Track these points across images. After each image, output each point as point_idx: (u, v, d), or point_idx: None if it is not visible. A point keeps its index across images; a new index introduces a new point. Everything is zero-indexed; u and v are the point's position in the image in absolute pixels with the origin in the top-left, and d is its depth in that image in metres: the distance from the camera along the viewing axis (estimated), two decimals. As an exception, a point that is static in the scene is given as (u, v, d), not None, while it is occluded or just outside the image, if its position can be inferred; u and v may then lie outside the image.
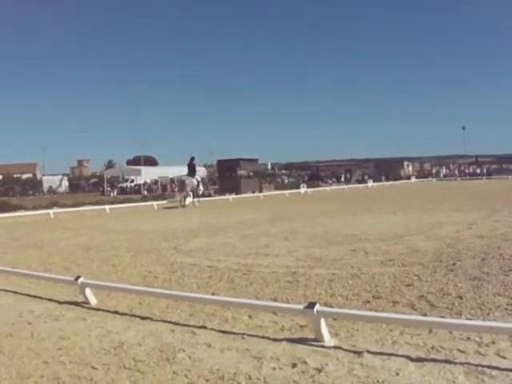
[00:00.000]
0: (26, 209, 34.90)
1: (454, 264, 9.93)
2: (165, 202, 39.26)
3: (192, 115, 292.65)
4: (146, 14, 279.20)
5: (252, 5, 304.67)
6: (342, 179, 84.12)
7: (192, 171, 35.46)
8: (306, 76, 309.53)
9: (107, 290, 8.63)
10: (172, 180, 72.08)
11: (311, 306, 5.87)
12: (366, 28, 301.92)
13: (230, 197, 41.94)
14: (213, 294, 8.25)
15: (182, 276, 10.22)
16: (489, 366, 4.88)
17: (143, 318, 7.22)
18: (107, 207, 32.45)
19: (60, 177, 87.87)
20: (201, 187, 36.40)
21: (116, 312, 7.64)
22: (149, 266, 11.55)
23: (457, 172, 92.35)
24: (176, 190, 58.12)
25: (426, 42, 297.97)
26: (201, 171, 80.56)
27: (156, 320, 7.11)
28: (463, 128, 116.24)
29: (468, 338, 5.66)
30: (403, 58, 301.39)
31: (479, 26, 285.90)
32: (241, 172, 54.22)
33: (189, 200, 35.10)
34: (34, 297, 8.89)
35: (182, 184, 36.30)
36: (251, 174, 57.62)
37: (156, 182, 72.36)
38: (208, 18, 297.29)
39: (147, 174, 76.55)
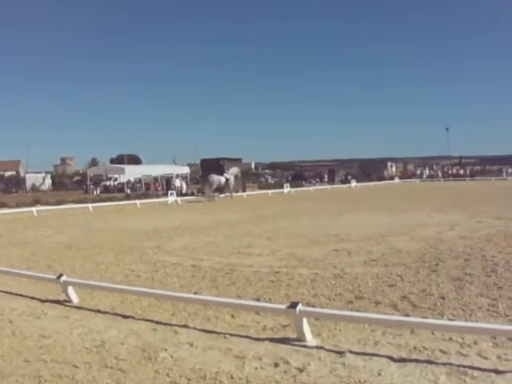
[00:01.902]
0: (8, 206, 34.56)
1: (437, 265, 9.98)
2: (149, 200, 39.24)
3: (176, 114, 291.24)
4: (131, 11, 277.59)
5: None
6: (326, 179, 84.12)
7: (220, 171, 40.31)
8: (288, 76, 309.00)
9: (90, 289, 8.59)
10: (155, 179, 71.82)
11: (294, 305, 5.87)
12: (353, 28, 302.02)
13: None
14: (195, 293, 8.25)
15: (164, 275, 10.20)
16: (470, 367, 4.91)
17: (125, 317, 7.20)
18: (90, 205, 32.30)
19: (43, 174, 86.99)
20: (184, 186, 37.61)
21: (98, 310, 7.61)
22: (131, 264, 11.51)
23: (440, 173, 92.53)
24: (163, 188, 58.23)
25: (410, 43, 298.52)
26: (184, 170, 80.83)
27: (138, 319, 7.09)
28: (447, 129, 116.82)
29: (450, 339, 5.68)
30: (387, 58, 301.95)
31: (464, 29, 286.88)
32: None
33: (172, 199, 35.62)
34: (16, 295, 8.83)
35: (207, 181, 39.53)
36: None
37: (139, 180, 72.00)
38: (188, 17, 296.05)
39: (131, 173, 76.03)
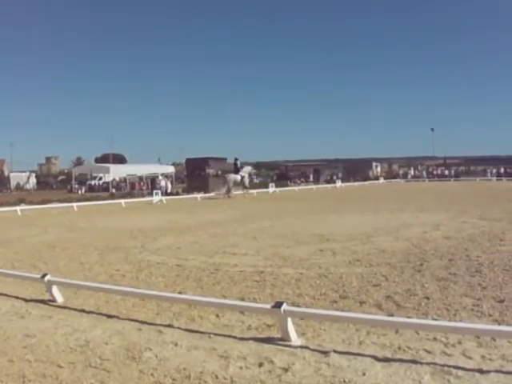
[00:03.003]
0: (-8, 205, 34.43)
1: (421, 265, 10.01)
2: (134, 199, 39.25)
3: (162, 114, 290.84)
4: (115, 10, 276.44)
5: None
6: (311, 179, 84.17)
7: (236, 169, 43.83)
8: (272, 75, 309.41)
9: (74, 288, 8.54)
10: (141, 178, 71.69)
11: (278, 305, 5.87)
12: (340, 30, 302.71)
13: (199, 195, 41.85)
14: (180, 293, 8.23)
15: (149, 274, 10.17)
16: (455, 367, 4.93)
17: (110, 317, 7.17)
18: (75, 205, 32.12)
19: (28, 173, 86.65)
20: (169, 185, 38.46)
21: (83, 310, 7.57)
22: (116, 264, 11.47)
23: (425, 173, 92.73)
24: (148, 187, 58.19)
25: (395, 44, 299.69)
26: (170, 170, 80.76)
27: (123, 318, 7.07)
28: (432, 130, 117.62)
29: (434, 339, 5.70)
30: (371, 58, 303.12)
31: (450, 31, 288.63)
32: (209, 171, 54.11)
33: (157, 198, 35.86)
34: (0, 294, 8.77)
35: (225, 179, 43.26)
36: (220, 172, 57.50)
37: (124, 179, 71.84)
38: (177, 18, 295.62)
39: (116, 172, 75.95)
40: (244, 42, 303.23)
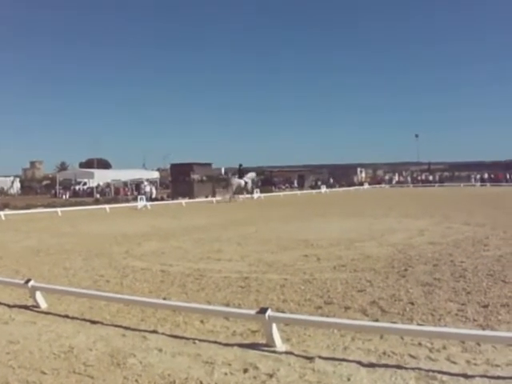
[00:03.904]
0: (-25, 210, 34.19)
1: (406, 270, 10.05)
2: (118, 205, 39.11)
3: (146, 119, 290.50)
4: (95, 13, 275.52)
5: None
6: (295, 185, 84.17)
7: (240, 174, 46.71)
8: (257, 80, 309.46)
9: (58, 294, 8.50)
10: (125, 183, 71.46)
11: (263, 311, 5.87)
12: (323, 34, 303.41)
13: (183, 201, 41.78)
14: (164, 299, 8.22)
15: (133, 280, 10.14)
16: (440, 371, 4.95)
17: (94, 323, 7.14)
18: (59, 210, 31.94)
19: (12, 178, 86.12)
20: (153, 191, 39.01)
21: (66, 316, 7.54)
22: (100, 269, 11.43)
23: (409, 179, 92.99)
24: (132, 193, 58.09)
25: (381, 49, 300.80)
26: (154, 175, 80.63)
27: (107, 324, 7.04)
28: (416, 136, 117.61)
29: (419, 344, 5.72)
30: (356, 64, 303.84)
31: (430, 37, 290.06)
32: (194, 176, 54.02)
33: (141, 203, 35.81)
34: (-17, 300, 8.72)
35: (229, 184, 46.06)
36: (204, 178, 57.44)
37: (109, 185, 71.57)
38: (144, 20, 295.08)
39: (100, 177, 75.66)
40: (225, 46, 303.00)
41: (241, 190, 45.88)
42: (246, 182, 46.19)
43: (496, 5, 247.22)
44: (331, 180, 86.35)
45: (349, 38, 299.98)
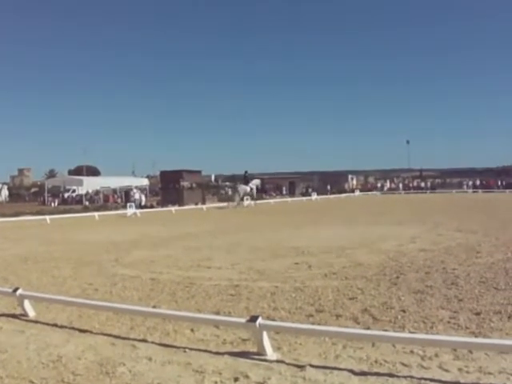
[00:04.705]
0: (-36, 218, 34.06)
1: (398, 277, 10.06)
2: (107, 212, 39.09)
3: (136, 125, 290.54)
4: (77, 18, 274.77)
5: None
6: (286, 192, 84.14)
7: (245, 181, 48.42)
8: (245, 87, 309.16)
9: (46, 302, 8.45)
10: (114, 191, 71.39)
11: (254, 319, 5.86)
12: (308, 42, 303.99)
13: (173, 208, 41.72)
14: (154, 307, 8.19)
15: (123, 288, 10.10)
16: (432, 380, 4.95)
17: (83, 331, 7.10)
18: (48, 217, 31.83)
19: (0, 185, 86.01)
20: (143, 198, 39.32)
21: (55, 325, 7.49)
22: (89, 278, 11.38)
23: (401, 186, 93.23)
24: (122, 200, 57.99)
25: (369, 59, 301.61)
26: (144, 182, 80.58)
27: (96, 333, 7.00)
28: (407, 142, 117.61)
29: (411, 352, 5.72)
30: (346, 73, 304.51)
31: (424, 48, 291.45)
32: (184, 183, 54.00)
33: (131, 211, 35.92)
34: (-30, 309, 8.66)
35: (236, 190, 48.41)
36: (194, 185, 57.44)
37: (98, 192, 71.48)
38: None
39: (89, 185, 75.59)
40: (212, 54, 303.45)
41: (247, 195, 47.14)
42: (251, 188, 47.57)
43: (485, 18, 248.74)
44: (328, 187, 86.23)
45: (332, 47, 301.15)
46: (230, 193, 72.72)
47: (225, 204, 47.37)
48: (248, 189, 47.09)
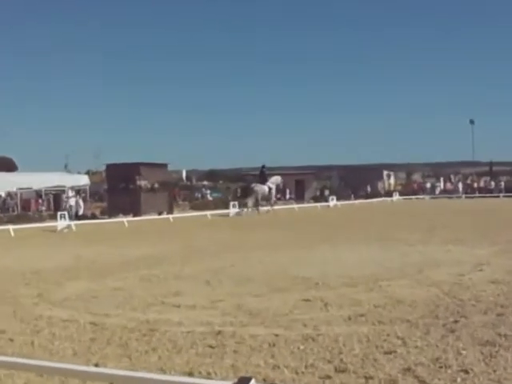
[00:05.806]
0: None
1: (456, 322, 10.06)
2: (28, 225, 38.93)
3: (69, 103, 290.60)
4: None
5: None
6: (288, 195, 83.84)
7: (263, 179, 50.91)
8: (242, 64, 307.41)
9: None
10: (38, 193, 71.16)
11: (244, 382, 5.85)
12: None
13: (125, 219, 41.69)
14: (97, 365, 8.19)
15: (50, 338, 10.09)
16: None
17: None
18: None
19: None
20: (81, 204, 39.09)
21: None
22: (0, 322, 11.37)
23: (461, 187, 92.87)
24: (49, 207, 57.81)
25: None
26: (82, 181, 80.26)
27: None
28: (471, 122, 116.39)
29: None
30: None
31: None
32: (141, 183, 53.72)
33: (63, 223, 35.66)
34: None
35: (251, 190, 50.03)
36: (157, 185, 57.18)
37: (13, 195, 71.33)
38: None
39: (1, 184, 75.51)
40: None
41: (265, 199, 49.45)
42: (270, 188, 50.05)
43: None
44: (326, 192, 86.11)
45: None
46: (229, 194, 73.06)
47: (225, 211, 47.45)
48: (266, 189, 49.08)
